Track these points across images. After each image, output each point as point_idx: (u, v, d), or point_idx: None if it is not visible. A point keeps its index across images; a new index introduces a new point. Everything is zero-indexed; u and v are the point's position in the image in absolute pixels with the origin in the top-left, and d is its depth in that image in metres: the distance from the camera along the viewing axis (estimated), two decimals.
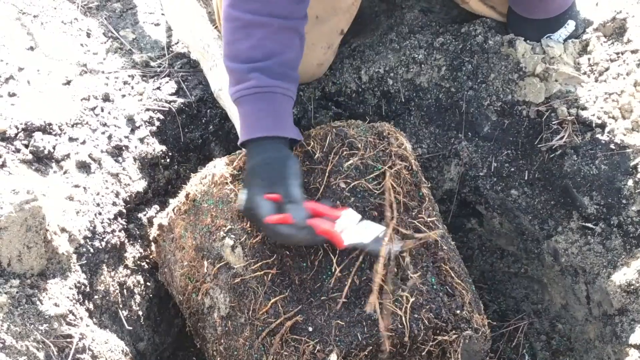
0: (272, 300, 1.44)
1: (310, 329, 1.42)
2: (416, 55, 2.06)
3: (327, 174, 1.55)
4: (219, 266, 1.54)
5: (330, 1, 1.94)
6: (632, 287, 1.66)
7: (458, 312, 1.48)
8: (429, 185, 1.72)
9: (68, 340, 1.38)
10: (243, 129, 1.59)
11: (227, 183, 1.56)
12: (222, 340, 1.54)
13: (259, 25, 1.55)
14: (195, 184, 1.64)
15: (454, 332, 1.47)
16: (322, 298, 1.44)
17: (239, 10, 1.56)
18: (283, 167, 1.50)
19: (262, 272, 1.47)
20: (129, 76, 2.03)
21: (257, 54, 1.56)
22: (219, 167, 1.62)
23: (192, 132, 2.04)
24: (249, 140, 1.56)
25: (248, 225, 1.51)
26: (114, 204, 1.74)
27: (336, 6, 1.97)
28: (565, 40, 1.99)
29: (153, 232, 1.77)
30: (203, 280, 1.57)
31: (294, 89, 1.61)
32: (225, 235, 1.54)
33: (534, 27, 2.00)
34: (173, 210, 1.69)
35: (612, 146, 1.80)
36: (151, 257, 1.83)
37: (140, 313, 1.78)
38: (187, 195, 1.64)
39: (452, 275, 1.54)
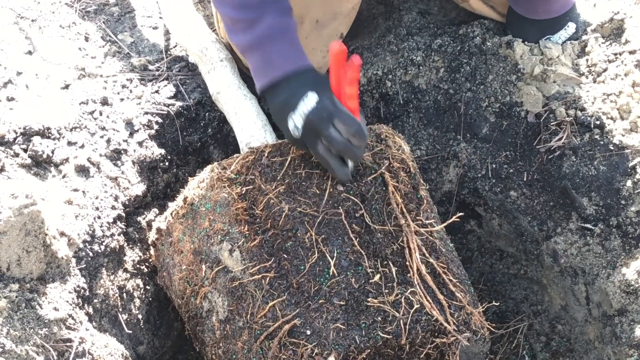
0: (270, 304, 1.44)
1: (309, 332, 1.41)
2: (414, 57, 2.06)
3: (324, 177, 1.55)
4: (217, 270, 1.53)
5: (331, 6, 1.94)
6: (631, 287, 1.66)
7: (456, 314, 1.49)
8: (428, 187, 1.72)
9: (68, 344, 1.38)
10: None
11: (224, 187, 1.56)
12: (221, 344, 1.54)
13: None
14: (193, 188, 1.64)
15: (452, 334, 1.47)
16: (320, 301, 1.44)
17: None
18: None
19: (260, 276, 1.47)
20: (127, 80, 2.03)
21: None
22: (217, 170, 1.62)
23: (190, 135, 2.04)
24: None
25: (245, 229, 1.51)
26: (113, 207, 1.74)
27: (337, 10, 1.97)
28: (564, 42, 1.99)
29: (151, 235, 1.77)
30: (201, 283, 1.57)
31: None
32: (223, 238, 1.53)
33: (534, 27, 1.99)
34: (171, 214, 1.69)
35: (610, 147, 1.80)
36: (150, 260, 1.83)
37: (139, 317, 1.78)
38: (185, 199, 1.64)
39: (451, 277, 1.54)
